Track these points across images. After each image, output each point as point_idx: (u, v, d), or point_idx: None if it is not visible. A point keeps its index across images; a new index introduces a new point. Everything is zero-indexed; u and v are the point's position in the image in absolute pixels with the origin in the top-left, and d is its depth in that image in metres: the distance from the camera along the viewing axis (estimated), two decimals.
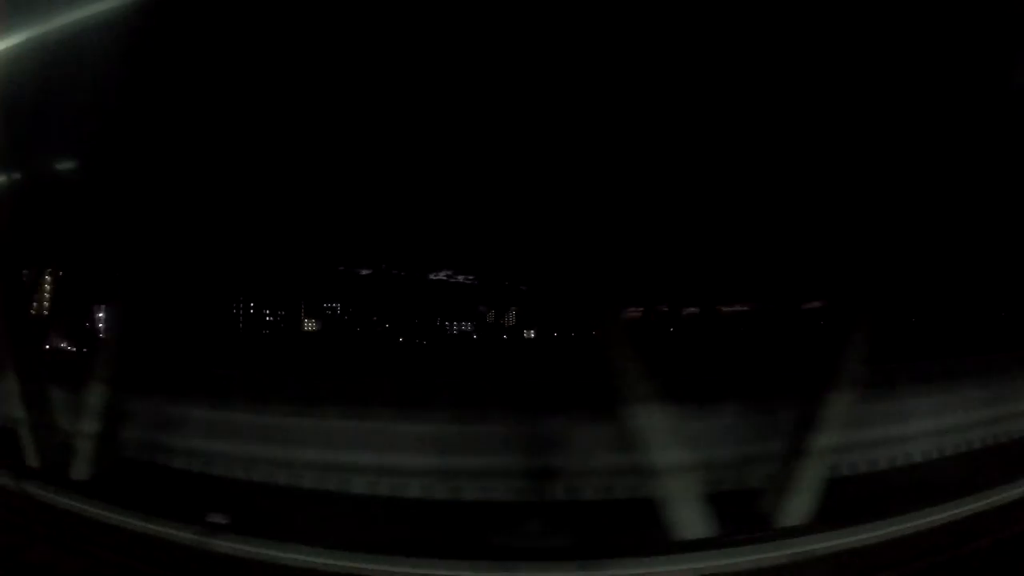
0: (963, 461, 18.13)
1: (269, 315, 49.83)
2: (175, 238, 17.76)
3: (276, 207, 16.01)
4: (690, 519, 13.21)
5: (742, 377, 18.29)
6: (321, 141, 12.46)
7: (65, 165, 14.30)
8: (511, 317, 49.60)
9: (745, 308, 41.35)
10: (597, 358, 13.79)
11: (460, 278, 29.74)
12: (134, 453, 17.90)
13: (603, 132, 11.86)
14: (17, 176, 15.14)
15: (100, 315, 37.67)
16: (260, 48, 10.25)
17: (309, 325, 49.61)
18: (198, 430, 17.69)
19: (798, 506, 13.78)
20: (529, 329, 47.89)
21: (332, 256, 26.15)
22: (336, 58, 10.30)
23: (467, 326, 50.67)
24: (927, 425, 18.25)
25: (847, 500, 14.03)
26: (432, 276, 29.49)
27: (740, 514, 13.42)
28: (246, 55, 10.44)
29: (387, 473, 15.30)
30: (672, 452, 13.41)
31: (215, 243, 19.62)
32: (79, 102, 12.21)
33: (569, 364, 24.18)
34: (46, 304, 30.39)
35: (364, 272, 30.36)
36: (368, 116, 11.63)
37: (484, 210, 15.35)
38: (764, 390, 16.59)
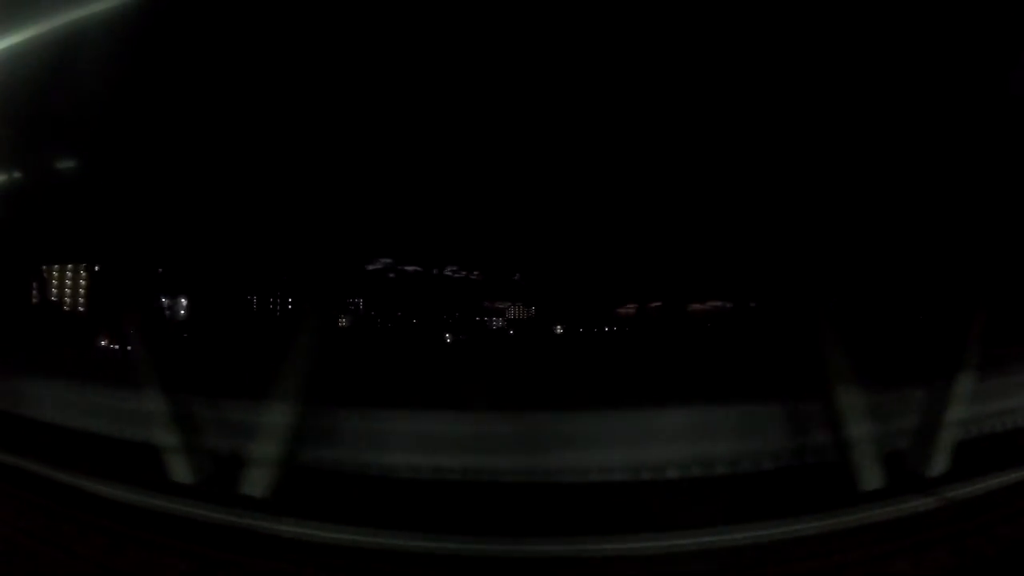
0: None
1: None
2: None
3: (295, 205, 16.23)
4: None
5: None
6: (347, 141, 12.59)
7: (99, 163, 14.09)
8: (533, 314, 49.36)
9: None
10: None
11: (474, 274, 29.81)
12: None
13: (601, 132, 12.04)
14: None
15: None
16: (270, 46, 10.61)
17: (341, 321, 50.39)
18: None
19: None
20: (556, 325, 47.63)
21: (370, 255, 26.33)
22: (353, 58, 10.67)
23: (499, 322, 50.78)
24: None
25: None
26: (445, 272, 29.69)
27: None
28: (256, 53, 10.79)
29: None
30: None
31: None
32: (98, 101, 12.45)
33: None
34: None
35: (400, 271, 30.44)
36: (390, 114, 11.88)
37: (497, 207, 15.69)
38: None
